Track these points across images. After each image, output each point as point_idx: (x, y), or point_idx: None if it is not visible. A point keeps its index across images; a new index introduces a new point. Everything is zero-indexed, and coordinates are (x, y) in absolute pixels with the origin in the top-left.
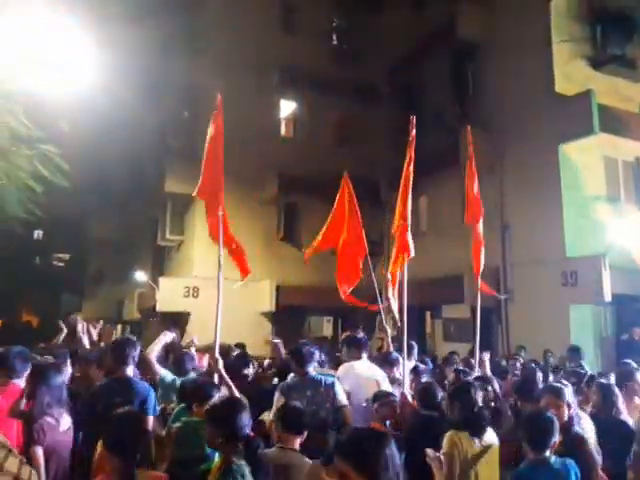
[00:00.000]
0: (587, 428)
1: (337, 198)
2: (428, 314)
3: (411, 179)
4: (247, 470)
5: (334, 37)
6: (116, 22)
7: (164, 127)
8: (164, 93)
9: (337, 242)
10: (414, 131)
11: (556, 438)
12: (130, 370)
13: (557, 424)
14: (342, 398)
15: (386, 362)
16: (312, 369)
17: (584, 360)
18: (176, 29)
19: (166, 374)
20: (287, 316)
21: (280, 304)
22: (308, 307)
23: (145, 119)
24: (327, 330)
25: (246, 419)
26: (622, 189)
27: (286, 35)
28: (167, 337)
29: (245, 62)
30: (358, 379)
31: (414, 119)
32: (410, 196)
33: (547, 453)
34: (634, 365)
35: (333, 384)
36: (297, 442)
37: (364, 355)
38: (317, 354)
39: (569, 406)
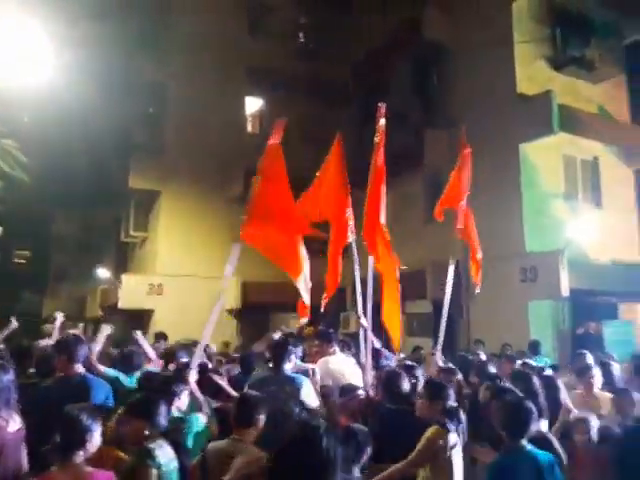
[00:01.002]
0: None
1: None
2: None
3: (384, 174)
4: (159, 452)
5: (300, 36)
6: (82, 19)
7: (129, 123)
8: (130, 90)
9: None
10: (382, 120)
11: (534, 427)
12: (80, 367)
13: (535, 414)
14: (311, 400)
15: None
16: (287, 366)
17: (540, 354)
18: (143, 26)
19: (108, 370)
20: (253, 313)
21: (246, 301)
22: (274, 304)
23: (110, 116)
24: (293, 327)
25: (165, 411)
26: (580, 187)
27: (252, 33)
28: (105, 331)
29: (211, 59)
30: (334, 374)
31: (383, 108)
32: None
33: (524, 441)
34: (589, 357)
35: (302, 384)
36: (251, 434)
37: (337, 349)
38: (298, 351)
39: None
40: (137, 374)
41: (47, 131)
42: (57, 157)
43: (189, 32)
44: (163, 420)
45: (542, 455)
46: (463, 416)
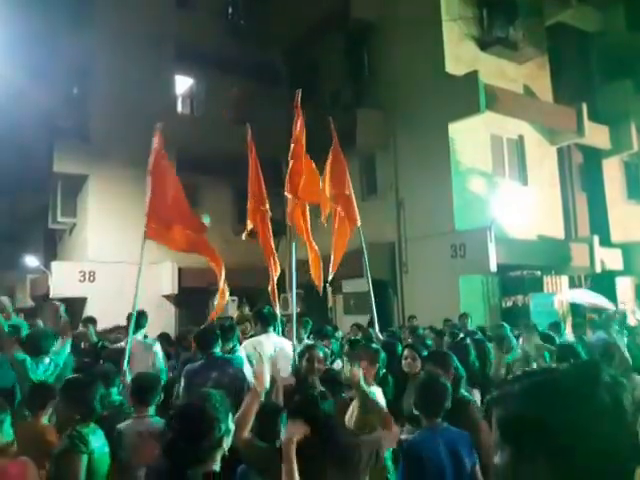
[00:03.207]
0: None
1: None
2: (330, 289)
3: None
4: (92, 437)
5: (229, 12)
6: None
7: (53, 106)
8: (53, 71)
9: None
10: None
11: (448, 404)
12: None
13: (449, 390)
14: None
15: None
16: (218, 349)
17: (469, 325)
18: (65, 1)
19: (18, 354)
20: (190, 298)
21: (182, 286)
22: (211, 288)
23: (34, 98)
24: (231, 310)
25: (98, 394)
26: (506, 165)
27: (181, 8)
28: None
29: (137, 36)
30: (263, 352)
31: (299, 94)
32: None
33: (439, 420)
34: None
35: (242, 363)
36: (150, 410)
37: (270, 329)
38: (231, 334)
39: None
40: (46, 359)
41: None
42: None
43: (113, 7)
44: (97, 404)
45: (457, 434)
46: None
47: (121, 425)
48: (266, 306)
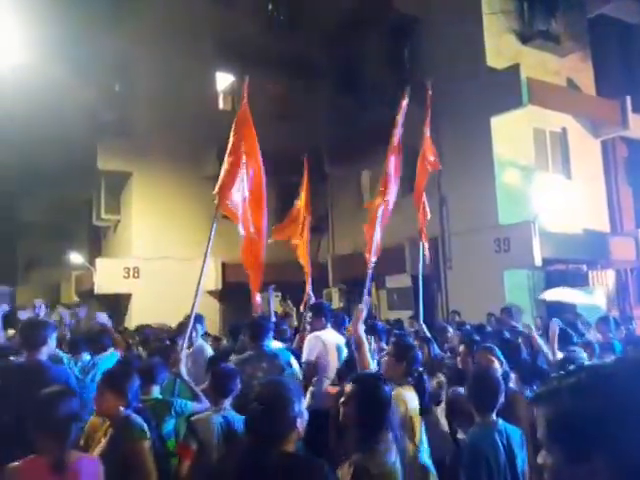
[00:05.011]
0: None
1: None
2: (373, 285)
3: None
4: (145, 426)
5: (269, 6)
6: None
7: (96, 102)
8: (95, 67)
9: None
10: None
11: (502, 399)
12: (43, 353)
13: (502, 384)
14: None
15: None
16: (268, 343)
17: (517, 320)
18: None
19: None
20: (234, 293)
21: (226, 281)
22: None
23: (77, 96)
24: (275, 305)
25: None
26: (550, 158)
27: (221, 4)
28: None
29: (179, 33)
30: (325, 348)
31: (406, 91)
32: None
33: (494, 416)
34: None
35: (289, 357)
36: (227, 402)
37: (328, 324)
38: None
39: (501, 363)
40: (87, 358)
41: (9, 113)
42: (23, 142)
43: (154, 3)
44: (136, 395)
45: (512, 430)
46: (428, 382)
47: (197, 416)
48: (324, 302)
